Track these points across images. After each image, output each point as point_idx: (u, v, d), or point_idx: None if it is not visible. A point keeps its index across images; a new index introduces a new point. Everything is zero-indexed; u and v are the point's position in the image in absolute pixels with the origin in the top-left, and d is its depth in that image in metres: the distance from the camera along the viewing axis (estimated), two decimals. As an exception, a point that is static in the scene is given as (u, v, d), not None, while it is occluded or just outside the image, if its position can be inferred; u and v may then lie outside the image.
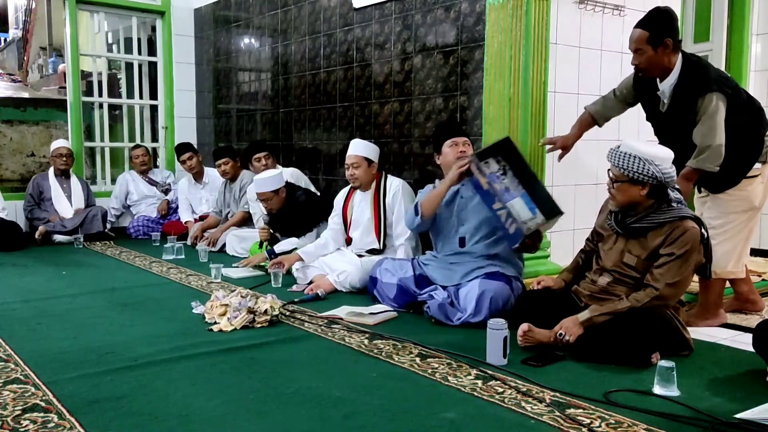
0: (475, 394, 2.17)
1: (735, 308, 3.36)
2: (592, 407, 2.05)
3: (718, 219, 3.04)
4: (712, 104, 2.80)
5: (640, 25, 2.92)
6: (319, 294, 3.54)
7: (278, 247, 4.30)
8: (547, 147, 3.36)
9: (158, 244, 5.39)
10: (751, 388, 2.26)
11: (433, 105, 4.18)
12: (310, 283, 3.81)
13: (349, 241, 4.07)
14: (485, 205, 3.18)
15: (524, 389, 2.21)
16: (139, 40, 6.77)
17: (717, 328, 3.09)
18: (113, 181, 6.49)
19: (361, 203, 4.00)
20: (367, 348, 2.68)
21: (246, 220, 5.26)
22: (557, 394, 2.16)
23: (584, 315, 2.56)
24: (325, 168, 5.17)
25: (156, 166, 6.72)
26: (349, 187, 4.10)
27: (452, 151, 3.35)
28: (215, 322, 2.99)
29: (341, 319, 3.10)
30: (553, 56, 3.67)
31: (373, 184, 3.97)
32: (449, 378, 2.32)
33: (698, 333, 2.90)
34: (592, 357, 2.49)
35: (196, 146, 6.07)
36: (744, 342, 2.73)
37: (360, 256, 3.88)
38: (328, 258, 3.96)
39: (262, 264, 4.32)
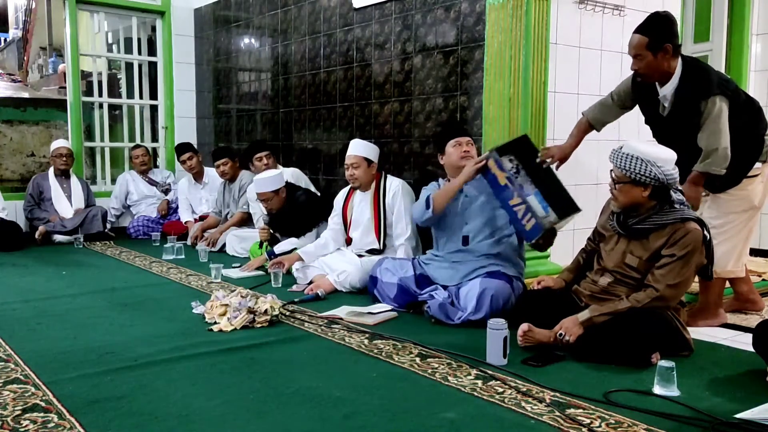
0: (475, 394, 2.17)
1: (735, 308, 3.36)
2: (592, 407, 2.05)
3: (718, 219, 3.04)
4: (715, 107, 2.80)
5: (639, 30, 2.91)
6: (319, 294, 3.54)
7: (278, 248, 4.30)
8: (547, 159, 3.33)
9: (158, 244, 5.39)
10: (751, 388, 2.26)
11: (433, 105, 4.18)
12: (310, 283, 3.81)
13: (349, 241, 4.07)
14: (500, 201, 3.18)
15: (524, 389, 2.21)
16: (139, 40, 6.77)
17: (717, 328, 3.09)
18: (113, 181, 6.49)
19: (361, 203, 4.00)
20: (367, 348, 2.68)
21: (246, 221, 5.27)
22: (557, 394, 2.16)
23: (584, 315, 2.56)
24: (325, 168, 5.17)
25: (156, 166, 6.72)
26: (348, 187, 4.10)
27: (456, 151, 3.36)
28: (215, 322, 2.99)
29: (341, 319, 3.10)
30: (553, 56, 3.67)
31: (373, 184, 3.97)
32: (449, 378, 2.32)
33: (698, 333, 2.90)
34: (592, 357, 2.49)
35: (196, 146, 6.07)
36: (744, 342, 2.73)
37: (360, 256, 3.88)
38: (328, 258, 3.96)
39: (262, 264, 4.32)
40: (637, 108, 3.25)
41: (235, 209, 5.33)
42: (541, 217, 2.99)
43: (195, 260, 4.70)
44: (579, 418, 1.96)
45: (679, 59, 2.94)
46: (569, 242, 3.77)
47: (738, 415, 1.99)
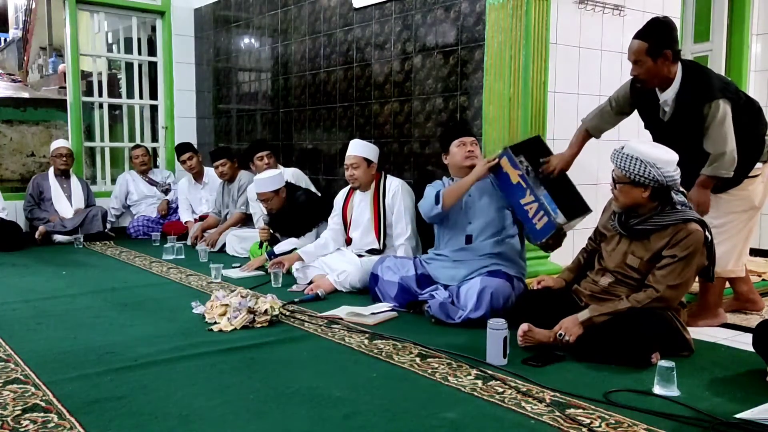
0: (475, 394, 2.17)
1: (735, 308, 3.36)
2: (592, 407, 2.05)
3: (718, 218, 3.04)
4: (719, 112, 2.80)
5: (638, 36, 2.90)
6: (319, 294, 3.55)
7: (278, 248, 4.30)
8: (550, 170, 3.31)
9: (158, 244, 5.39)
10: (751, 388, 2.26)
11: (433, 105, 4.18)
12: (310, 283, 3.81)
13: (349, 242, 4.07)
14: (510, 200, 3.19)
15: (524, 389, 2.21)
16: (139, 40, 6.77)
17: (717, 328, 3.09)
18: (113, 181, 6.49)
19: (361, 203, 4.00)
20: (367, 348, 2.68)
21: (245, 221, 5.27)
22: (557, 394, 2.16)
23: (584, 315, 2.57)
24: (325, 168, 5.17)
25: (156, 166, 6.72)
26: (348, 187, 4.10)
27: (460, 151, 3.36)
28: (215, 322, 2.99)
29: (341, 319, 3.10)
30: (553, 56, 3.67)
31: (373, 185, 3.97)
32: (449, 378, 2.32)
33: (698, 333, 2.90)
34: (592, 357, 2.49)
35: (196, 146, 6.07)
36: (744, 342, 2.73)
37: (360, 256, 3.88)
38: (328, 258, 3.96)
39: (262, 264, 4.32)
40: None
41: (234, 209, 5.33)
42: (553, 217, 2.99)
43: (195, 260, 4.70)
44: (579, 418, 1.96)
45: (679, 64, 2.93)
46: (570, 242, 3.75)
47: (738, 415, 1.99)
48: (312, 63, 5.21)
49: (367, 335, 2.86)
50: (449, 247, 3.39)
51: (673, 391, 2.17)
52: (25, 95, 8.22)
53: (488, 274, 3.15)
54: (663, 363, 2.20)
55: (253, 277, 4.15)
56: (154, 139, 6.96)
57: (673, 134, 2.94)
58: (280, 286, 3.86)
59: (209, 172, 5.80)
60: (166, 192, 6.22)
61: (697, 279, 2.82)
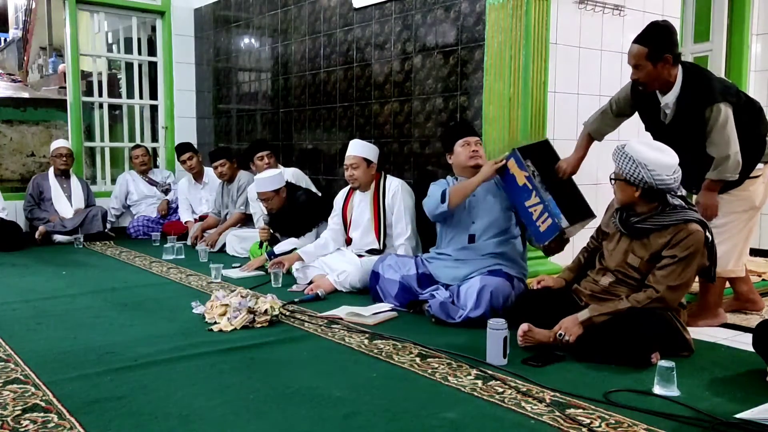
0: (475, 394, 2.17)
1: (735, 308, 3.36)
2: (592, 407, 2.05)
3: (719, 218, 3.04)
4: (721, 115, 2.80)
5: (638, 40, 2.90)
6: (319, 294, 3.55)
7: (278, 248, 4.30)
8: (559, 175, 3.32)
9: (158, 244, 5.39)
10: (751, 388, 2.26)
11: (433, 105, 4.17)
12: (310, 283, 3.81)
13: (349, 242, 4.07)
14: (515, 202, 3.20)
15: (524, 389, 2.21)
16: (139, 40, 6.77)
17: (717, 328, 3.09)
18: (113, 181, 6.49)
19: (361, 204, 4.00)
20: (367, 348, 2.68)
21: (245, 221, 5.27)
22: (557, 394, 2.16)
23: (584, 315, 2.57)
24: (325, 168, 5.17)
25: (156, 166, 6.72)
26: (348, 187, 4.10)
27: (464, 151, 3.36)
28: (215, 322, 2.99)
29: (341, 319, 3.10)
30: (553, 56, 3.67)
31: (373, 185, 3.97)
32: (449, 378, 2.32)
33: (698, 333, 2.90)
34: (592, 357, 2.49)
35: (196, 146, 6.07)
36: (744, 342, 2.73)
37: (360, 256, 3.88)
38: (328, 258, 3.96)
39: (262, 264, 4.32)
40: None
41: (233, 210, 5.33)
42: (557, 220, 3.00)
43: (195, 260, 4.70)
44: (579, 418, 1.96)
45: (680, 67, 2.93)
46: (570, 243, 3.77)
47: (738, 415, 1.99)
48: (312, 63, 5.21)
49: (367, 335, 2.86)
50: (452, 246, 3.39)
51: (673, 391, 2.17)
52: (25, 95, 8.22)
53: (488, 274, 3.15)
54: (663, 363, 2.20)
55: (253, 277, 4.15)
56: (154, 139, 6.96)
57: (674, 137, 2.93)
58: (280, 286, 3.86)
59: (209, 172, 5.80)
60: (166, 192, 6.22)
61: (697, 279, 2.82)
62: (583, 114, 3.74)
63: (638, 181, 2.53)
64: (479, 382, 2.28)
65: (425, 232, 3.96)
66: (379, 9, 4.53)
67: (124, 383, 2.25)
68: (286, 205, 4.41)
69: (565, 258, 3.40)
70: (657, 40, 2.86)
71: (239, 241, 5.02)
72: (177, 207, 6.06)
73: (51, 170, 5.82)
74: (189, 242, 5.40)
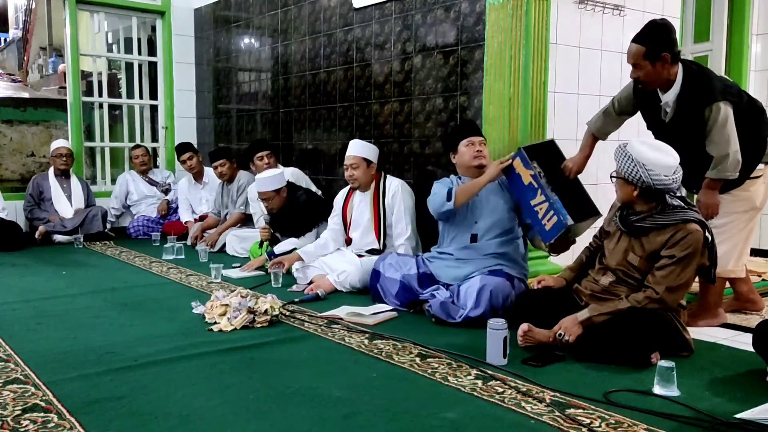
0: (475, 394, 2.17)
1: (735, 308, 3.36)
2: (592, 407, 2.05)
3: (720, 219, 3.04)
4: (720, 114, 2.80)
5: (636, 39, 2.91)
6: (319, 294, 3.54)
7: (278, 248, 4.30)
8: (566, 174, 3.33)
9: (158, 244, 5.39)
10: (751, 388, 2.26)
11: (433, 105, 4.17)
12: (310, 283, 3.81)
13: (349, 242, 4.07)
14: (520, 201, 3.20)
15: (524, 389, 2.21)
16: (139, 40, 6.77)
17: (717, 328, 3.09)
18: (113, 181, 6.49)
19: (361, 204, 4.00)
20: (367, 348, 2.68)
21: (245, 221, 5.27)
22: (557, 394, 2.16)
23: (583, 314, 2.57)
24: (325, 168, 5.17)
25: (156, 166, 6.72)
26: (348, 187, 4.10)
27: (468, 151, 3.36)
28: (215, 322, 2.99)
29: (341, 319, 3.10)
30: (553, 56, 3.67)
31: (373, 185, 3.97)
32: (449, 378, 2.32)
33: (698, 333, 2.90)
34: (592, 357, 2.49)
35: (196, 146, 6.07)
36: (744, 342, 2.73)
37: (360, 256, 3.88)
38: (328, 258, 3.96)
39: (262, 264, 4.32)
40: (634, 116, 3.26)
41: (233, 210, 5.33)
42: (562, 217, 3.00)
43: (195, 260, 4.70)
44: (579, 418, 1.96)
45: (680, 65, 2.93)
46: (575, 243, 3.77)
47: (738, 415, 1.99)
48: (312, 63, 5.21)
49: (367, 335, 2.86)
50: (454, 245, 3.39)
51: (673, 391, 2.17)
52: (25, 95, 8.22)
53: (489, 273, 3.15)
54: (663, 363, 2.20)
55: (253, 277, 4.15)
56: (154, 139, 6.96)
57: (675, 135, 2.94)
58: (280, 286, 3.86)
59: (209, 172, 5.80)
60: (166, 192, 6.22)
61: (697, 279, 2.82)
62: (583, 114, 3.75)
63: (636, 180, 2.54)
64: (479, 382, 2.28)
65: (425, 232, 3.96)
66: (379, 9, 4.53)
67: (124, 383, 2.25)
68: (287, 205, 4.41)
69: (566, 258, 3.40)
70: (655, 40, 2.86)
71: (239, 241, 5.02)
72: (177, 207, 6.06)
73: (51, 170, 5.82)
74: (189, 242, 5.40)
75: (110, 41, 7.38)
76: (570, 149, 3.35)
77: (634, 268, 2.64)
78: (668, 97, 2.96)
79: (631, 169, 2.54)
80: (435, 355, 2.58)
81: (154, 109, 6.92)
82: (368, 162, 3.94)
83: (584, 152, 3.27)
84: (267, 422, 1.95)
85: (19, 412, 1.97)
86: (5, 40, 10.62)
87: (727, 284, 3.30)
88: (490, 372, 2.37)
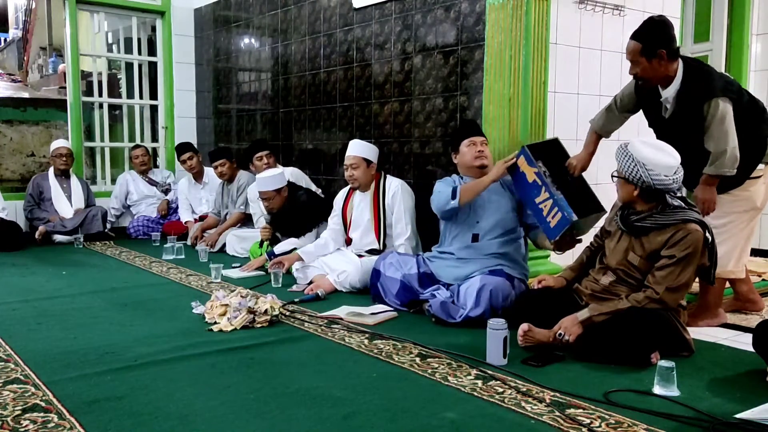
0: (475, 394, 2.17)
1: (735, 308, 3.36)
2: (592, 407, 2.05)
3: (719, 219, 3.04)
4: (719, 110, 2.80)
5: (633, 36, 2.92)
6: (319, 294, 3.55)
7: (278, 248, 4.30)
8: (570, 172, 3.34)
9: (158, 244, 5.39)
10: (751, 388, 2.26)
11: (433, 105, 4.18)
12: (310, 283, 3.81)
13: (348, 242, 4.07)
14: (525, 199, 3.21)
15: (524, 389, 2.21)
16: (139, 40, 6.77)
17: (717, 328, 3.09)
18: (113, 181, 6.49)
19: (361, 204, 4.00)
20: (367, 348, 2.68)
21: (245, 221, 5.27)
22: (557, 394, 2.16)
23: (583, 314, 2.57)
24: (325, 168, 5.17)
25: (156, 166, 6.72)
26: (348, 187, 4.10)
27: (470, 151, 3.36)
28: (215, 322, 2.99)
29: (341, 319, 3.10)
30: (553, 56, 3.67)
31: (373, 185, 3.97)
32: (449, 378, 2.32)
33: (698, 333, 2.90)
34: (592, 357, 2.49)
35: (196, 146, 6.07)
36: (744, 342, 2.73)
37: (360, 256, 3.88)
38: (328, 258, 3.96)
39: (262, 264, 4.32)
40: (639, 112, 3.26)
41: (233, 209, 5.33)
42: (567, 213, 3.01)
43: (195, 260, 4.70)
44: (579, 418, 1.97)
45: (680, 61, 2.93)
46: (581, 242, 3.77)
47: (738, 415, 1.99)
48: (312, 63, 5.21)
49: (367, 335, 2.86)
50: (455, 244, 3.39)
51: (673, 391, 2.17)
52: (25, 95, 8.23)
53: (489, 273, 3.15)
54: (663, 363, 2.20)
55: (253, 277, 4.15)
56: (154, 139, 6.96)
57: (674, 132, 2.94)
58: (280, 286, 3.86)
59: (209, 172, 5.80)
60: (166, 192, 6.22)
61: (697, 279, 2.82)
62: (583, 114, 3.75)
63: (637, 179, 2.54)
64: (479, 382, 2.28)
65: (425, 232, 3.96)
66: (379, 9, 4.53)
67: (124, 383, 2.25)
68: (287, 205, 4.41)
69: (566, 258, 3.40)
70: (651, 36, 2.87)
71: (239, 241, 5.02)
72: (177, 207, 6.06)
73: (51, 170, 5.82)
74: (189, 242, 5.40)
75: (110, 41, 7.38)
76: (570, 149, 3.35)
77: (634, 268, 2.64)
78: (668, 93, 2.96)
79: (631, 169, 2.54)
80: (435, 355, 2.58)
81: (154, 109, 6.92)
82: (368, 162, 3.94)
83: (588, 149, 3.28)
84: (267, 422, 1.95)
85: (19, 412, 1.98)
86: (5, 40, 10.63)
87: (727, 284, 3.30)
88: (490, 372, 2.37)
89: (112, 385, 2.24)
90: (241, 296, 3.08)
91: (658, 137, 3.13)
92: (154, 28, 6.86)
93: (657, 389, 2.18)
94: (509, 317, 2.68)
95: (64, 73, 6.88)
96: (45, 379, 2.28)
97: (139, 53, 6.81)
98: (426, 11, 4.18)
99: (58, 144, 5.87)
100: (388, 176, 4.02)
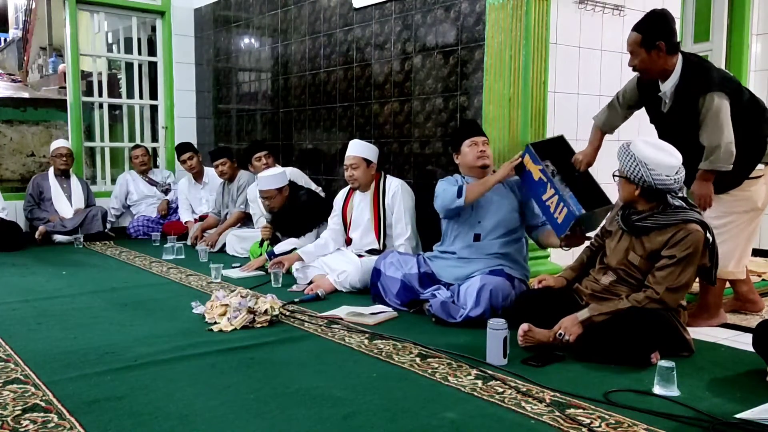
0: (475, 394, 2.17)
1: (734, 308, 3.35)
2: (592, 407, 2.05)
3: (719, 219, 3.04)
4: (714, 104, 2.80)
5: (634, 27, 2.96)
6: (319, 294, 3.54)
7: (278, 248, 4.30)
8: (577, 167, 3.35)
9: (158, 244, 5.39)
10: (751, 388, 2.26)
11: (433, 105, 4.18)
12: (310, 283, 3.81)
13: (348, 242, 4.07)
14: (533, 197, 3.23)
15: (524, 389, 2.21)
16: (139, 40, 6.77)
17: (717, 328, 3.09)
18: (113, 181, 6.49)
19: (361, 204, 4.00)
20: (367, 348, 2.68)
21: (245, 221, 5.27)
22: (557, 394, 2.16)
23: (583, 314, 2.57)
24: (325, 168, 5.17)
25: (156, 166, 6.72)
26: (348, 187, 4.10)
27: (472, 151, 3.36)
28: (215, 322, 2.99)
29: (341, 319, 3.10)
30: (553, 56, 3.67)
31: (373, 185, 3.97)
32: (449, 378, 2.32)
33: (698, 333, 2.90)
34: (592, 357, 2.49)
35: (196, 146, 6.07)
36: (744, 342, 2.73)
37: (360, 256, 3.88)
38: (328, 258, 3.96)
39: (262, 264, 4.32)
40: (639, 111, 3.26)
41: (233, 209, 5.33)
42: (572, 208, 3.02)
43: (195, 260, 4.70)
44: (579, 418, 1.96)
45: (680, 56, 2.94)
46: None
47: (738, 415, 1.99)
48: (312, 63, 5.21)
49: (367, 335, 2.86)
50: (457, 244, 3.39)
51: (673, 391, 2.17)
52: (25, 95, 8.23)
53: (490, 273, 3.15)
54: (663, 363, 2.20)
55: (253, 277, 4.15)
56: (154, 139, 6.96)
57: (672, 126, 2.95)
58: (280, 286, 3.86)
59: (209, 172, 5.81)
60: (166, 192, 6.22)
61: (697, 279, 2.82)
62: (583, 114, 3.75)
63: (638, 179, 2.54)
64: (479, 382, 2.28)
65: (425, 232, 3.96)
66: (379, 9, 4.53)
67: (124, 383, 2.25)
68: (288, 204, 4.41)
69: (566, 258, 3.40)
70: (651, 28, 2.89)
71: (239, 241, 5.02)
72: (177, 207, 6.06)
73: (51, 170, 5.82)
74: (189, 242, 5.40)
75: (110, 41, 7.38)
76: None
77: (634, 268, 2.64)
78: (666, 87, 2.97)
79: (633, 168, 2.54)
80: (435, 355, 2.58)
81: (154, 109, 6.92)
82: (368, 162, 3.94)
83: (593, 145, 3.30)
84: (267, 422, 1.95)
85: (19, 412, 1.97)
86: (5, 40, 10.63)
87: (727, 284, 3.29)
88: (490, 372, 2.37)
89: (112, 385, 2.24)
90: (241, 296, 3.08)
91: (659, 133, 3.13)
92: (154, 28, 6.86)
93: (657, 389, 2.18)
94: (509, 317, 2.68)
95: (64, 73, 6.88)
96: (45, 379, 2.28)
97: (139, 53, 6.81)
98: (426, 11, 4.18)
99: (58, 144, 5.87)
100: (388, 176, 4.02)
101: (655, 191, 2.55)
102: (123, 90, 7.38)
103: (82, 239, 5.41)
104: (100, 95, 6.64)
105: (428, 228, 3.90)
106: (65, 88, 6.73)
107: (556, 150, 3.23)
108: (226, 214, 5.43)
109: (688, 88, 2.89)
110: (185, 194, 5.94)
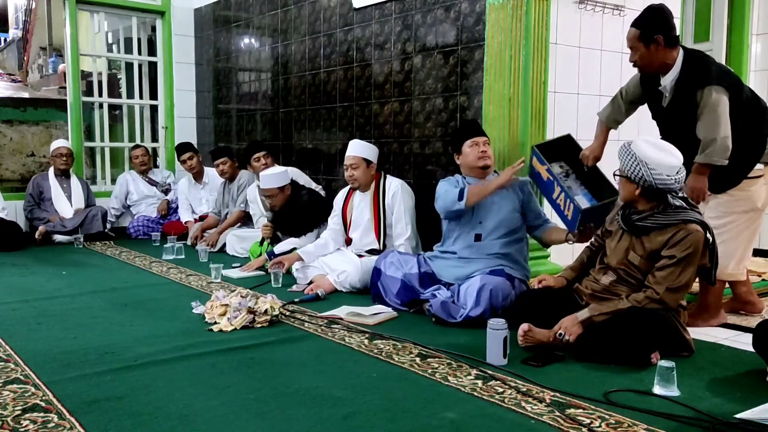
0: (475, 394, 2.17)
1: (733, 309, 3.34)
2: (592, 407, 2.05)
3: (719, 219, 3.03)
4: (711, 97, 2.80)
5: (633, 23, 2.98)
6: (319, 294, 3.54)
7: (278, 248, 4.30)
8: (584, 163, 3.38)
9: (158, 244, 5.39)
10: (751, 388, 2.26)
11: (433, 105, 4.18)
12: (310, 283, 3.81)
13: (348, 242, 4.07)
14: (546, 197, 3.29)
15: (524, 389, 2.21)
16: (139, 40, 6.77)
17: (717, 328, 3.08)
18: (113, 181, 6.49)
19: (361, 204, 4.00)
20: (367, 348, 2.68)
21: (245, 220, 5.27)
22: (557, 394, 2.16)
23: (584, 314, 2.57)
24: (325, 168, 5.17)
25: (156, 166, 6.72)
26: (348, 187, 4.10)
27: (473, 151, 3.35)
28: (215, 322, 2.99)
29: (341, 319, 3.10)
30: (553, 56, 3.68)
31: (373, 185, 3.97)
32: (449, 378, 2.32)
33: (698, 333, 2.90)
34: (592, 357, 2.49)
35: (196, 146, 6.07)
36: (744, 342, 2.73)
37: (360, 256, 3.88)
38: (328, 258, 3.96)
39: (262, 264, 4.32)
40: (638, 110, 3.26)
41: (234, 208, 5.33)
42: (577, 203, 3.06)
43: (195, 260, 4.70)
44: (579, 418, 1.96)
45: (681, 51, 2.94)
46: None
47: (738, 415, 1.99)
48: (312, 63, 5.21)
49: (367, 335, 2.86)
50: (458, 244, 3.39)
51: (673, 391, 2.17)
52: (25, 95, 8.22)
53: (490, 273, 3.15)
54: (663, 363, 2.20)
55: (253, 277, 4.15)
56: (154, 139, 6.96)
57: (672, 121, 2.95)
58: (280, 286, 3.86)
59: (209, 172, 5.81)
60: (166, 192, 6.22)
61: (697, 279, 2.82)
62: (583, 114, 3.75)
63: (638, 178, 2.54)
64: (479, 382, 2.28)
65: (425, 232, 3.96)
66: (379, 9, 4.53)
67: (124, 383, 2.25)
68: (289, 204, 4.41)
69: (566, 258, 3.40)
70: (649, 22, 2.91)
71: (239, 241, 5.02)
72: (177, 207, 6.06)
73: (51, 170, 5.82)
74: (189, 242, 5.40)
75: (110, 41, 7.38)
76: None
77: (634, 268, 2.64)
78: (666, 81, 2.98)
79: (633, 168, 2.54)
80: (435, 355, 2.58)
81: (154, 109, 6.92)
82: (368, 162, 3.94)
83: (599, 140, 3.31)
84: (267, 422, 1.95)
85: (19, 412, 1.97)
86: (5, 40, 10.62)
87: (727, 284, 3.29)
88: (490, 372, 2.37)
89: (112, 385, 2.24)
90: (241, 296, 3.08)
91: (660, 130, 3.14)
92: (154, 28, 6.86)
93: (657, 389, 2.18)
94: (509, 317, 2.68)
95: (64, 73, 6.87)
96: (45, 379, 2.28)
97: (139, 53, 6.81)
98: (426, 11, 4.18)
99: (58, 144, 5.87)
100: (388, 176, 4.02)
101: (656, 191, 2.55)
102: (123, 90, 7.38)
103: (82, 239, 5.41)
104: (100, 95, 6.64)
105: (428, 228, 3.90)
106: (65, 88, 6.72)
107: (566, 149, 3.27)
108: (227, 213, 5.43)
109: (687, 81, 2.89)
110: (185, 194, 5.95)
